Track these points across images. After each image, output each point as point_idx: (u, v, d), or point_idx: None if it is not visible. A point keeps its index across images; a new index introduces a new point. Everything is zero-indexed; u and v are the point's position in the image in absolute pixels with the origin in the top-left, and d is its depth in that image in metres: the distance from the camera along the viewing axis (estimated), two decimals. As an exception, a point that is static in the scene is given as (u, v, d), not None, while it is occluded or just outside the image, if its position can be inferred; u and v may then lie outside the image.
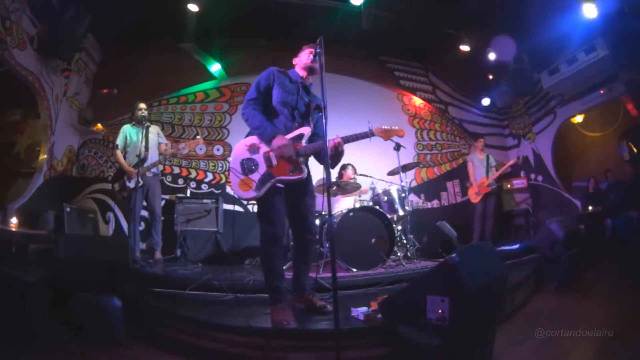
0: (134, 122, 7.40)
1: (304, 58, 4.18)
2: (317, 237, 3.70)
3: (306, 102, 4.15)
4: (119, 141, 7.21)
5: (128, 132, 7.24)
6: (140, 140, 7.09)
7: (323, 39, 3.56)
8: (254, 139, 3.98)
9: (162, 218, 7.42)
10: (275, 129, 3.89)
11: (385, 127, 4.03)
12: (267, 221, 3.86)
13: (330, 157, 3.77)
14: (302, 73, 4.21)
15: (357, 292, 5.12)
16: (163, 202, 8.59)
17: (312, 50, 4.05)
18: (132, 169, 6.81)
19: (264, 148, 3.91)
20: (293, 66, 4.32)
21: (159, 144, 7.42)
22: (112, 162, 9.27)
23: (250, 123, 3.98)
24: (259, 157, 3.90)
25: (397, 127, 4.11)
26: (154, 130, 7.45)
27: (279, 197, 3.89)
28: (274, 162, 3.84)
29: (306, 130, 3.95)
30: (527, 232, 10.31)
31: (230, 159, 3.95)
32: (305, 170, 3.87)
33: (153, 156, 7.12)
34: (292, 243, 5.01)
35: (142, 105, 7.43)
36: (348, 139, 3.94)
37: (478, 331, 3.11)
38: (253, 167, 3.87)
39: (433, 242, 7.59)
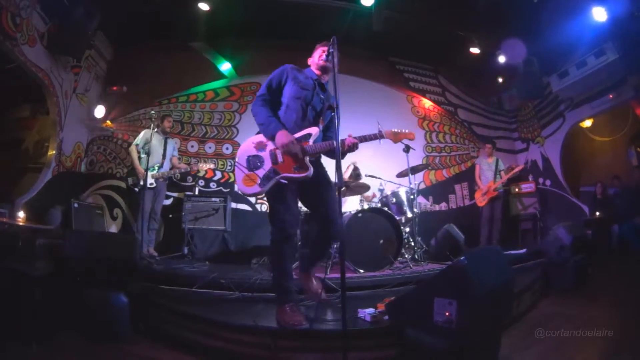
0: (157, 130, 7.73)
1: (316, 57, 4.15)
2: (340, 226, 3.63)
3: (322, 99, 4.09)
4: (139, 141, 7.71)
5: (151, 136, 7.38)
6: (160, 147, 7.72)
7: (335, 39, 3.57)
8: (261, 137, 3.95)
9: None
10: (279, 125, 3.87)
11: (395, 130, 4.03)
12: (278, 219, 3.84)
13: (343, 153, 3.81)
14: (317, 72, 4.16)
15: (364, 293, 5.13)
16: (171, 200, 8.73)
17: (325, 48, 4.02)
18: (143, 170, 7.23)
19: (270, 145, 3.88)
20: (308, 66, 4.28)
21: (172, 156, 8.02)
22: (120, 159, 9.34)
23: (257, 119, 3.97)
24: (265, 154, 3.88)
25: (407, 131, 4.10)
26: (172, 143, 8.15)
27: (290, 195, 3.88)
28: (280, 159, 3.83)
29: (314, 131, 3.90)
30: (534, 237, 10.25)
31: (237, 154, 3.97)
32: (311, 168, 3.77)
33: (166, 164, 7.77)
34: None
35: (171, 119, 8.37)
36: (361, 139, 3.94)
37: (485, 335, 3.11)
38: (258, 164, 3.85)
39: (441, 245, 7.58)
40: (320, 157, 4.03)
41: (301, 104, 3.98)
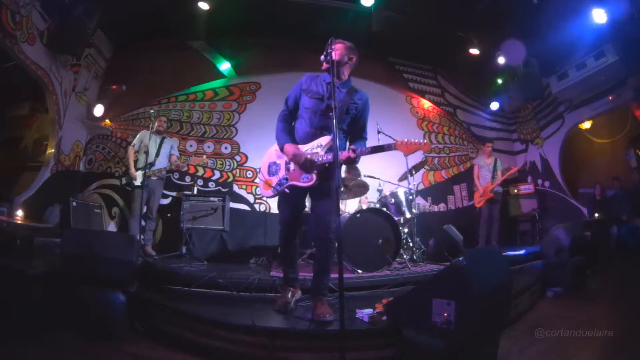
0: (152, 130, 7.69)
1: None
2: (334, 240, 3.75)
3: (339, 100, 4.00)
4: (135, 142, 7.81)
5: (145, 136, 7.64)
6: (154, 147, 7.70)
7: (334, 39, 3.61)
8: None
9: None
10: (287, 138, 4.18)
11: (409, 141, 3.75)
12: (281, 218, 4.38)
13: (344, 163, 4.07)
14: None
15: (362, 293, 5.14)
16: (169, 199, 8.76)
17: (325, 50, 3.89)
18: (135, 173, 7.43)
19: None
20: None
21: (171, 154, 7.95)
22: (119, 158, 9.32)
23: (275, 134, 4.32)
24: (281, 162, 4.26)
25: (422, 141, 3.77)
26: (169, 142, 8.09)
27: (297, 198, 4.27)
28: (292, 168, 4.13)
29: (324, 140, 4.00)
30: (533, 238, 10.26)
31: (262, 160, 4.24)
32: (315, 179, 3.97)
33: (161, 162, 7.69)
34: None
35: (163, 119, 8.23)
36: (363, 152, 3.89)
37: (483, 335, 3.10)
38: (276, 170, 4.29)
39: (439, 246, 7.57)
40: (332, 168, 3.90)
41: (310, 113, 4.17)
